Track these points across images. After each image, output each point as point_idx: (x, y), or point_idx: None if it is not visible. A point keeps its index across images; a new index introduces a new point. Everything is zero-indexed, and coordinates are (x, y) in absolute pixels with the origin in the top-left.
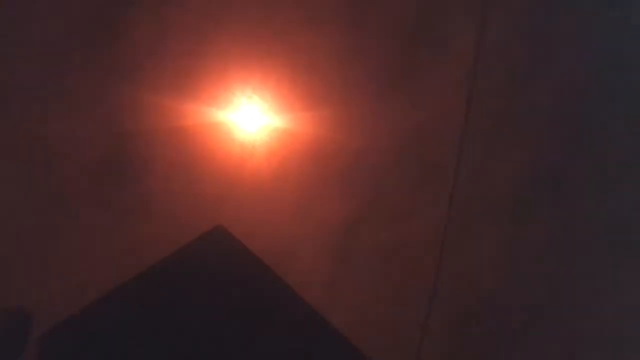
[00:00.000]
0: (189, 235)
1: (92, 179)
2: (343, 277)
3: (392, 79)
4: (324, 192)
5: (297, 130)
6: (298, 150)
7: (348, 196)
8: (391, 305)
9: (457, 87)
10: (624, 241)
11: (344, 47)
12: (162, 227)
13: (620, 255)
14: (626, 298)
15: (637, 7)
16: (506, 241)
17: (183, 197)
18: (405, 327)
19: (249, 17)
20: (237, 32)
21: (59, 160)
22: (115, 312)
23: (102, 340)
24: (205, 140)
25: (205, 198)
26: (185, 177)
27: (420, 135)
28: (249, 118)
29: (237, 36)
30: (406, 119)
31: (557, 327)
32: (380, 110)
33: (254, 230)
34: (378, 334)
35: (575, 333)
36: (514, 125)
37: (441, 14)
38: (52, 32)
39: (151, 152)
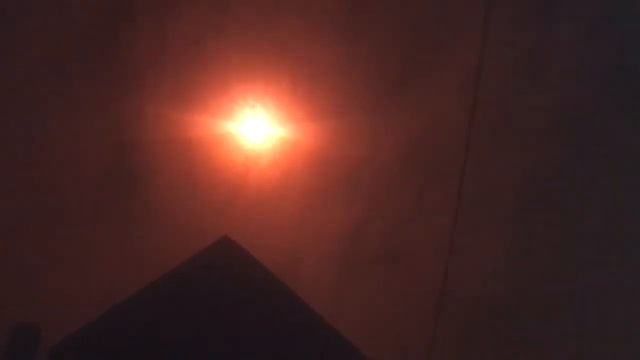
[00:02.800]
0: (195, 244)
1: (96, 190)
2: (348, 283)
3: (393, 87)
4: (328, 200)
5: (300, 139)
6: (301, 160)
7: (352, 204)
8: (398, 310)
9: (460, 93)
10: (628, 242)
11: (344, 57)
12: (167, 238)
13: (624, 257)
14: (632, 297)
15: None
16: (512, 245)
17: (188, 208)
18: (413, 332)
19: (250, 28)
20: (239, 42)
21: (62, 171)
22: (122, 323)
23: (109, 352)
24: (209, 151)
25: (210, 208)
26: (190, 188)
27: (424, 141)
28: (253, 128)
29: (239, 47)
30: (409, 126)
31: (565, 329)
32: (382, 118)
33: (259, 238)
34: (385, 339)
35: (583, 335)
36: (517, 130)
37: (442, 21)
38: (54, 44)
39: (155, 163)
